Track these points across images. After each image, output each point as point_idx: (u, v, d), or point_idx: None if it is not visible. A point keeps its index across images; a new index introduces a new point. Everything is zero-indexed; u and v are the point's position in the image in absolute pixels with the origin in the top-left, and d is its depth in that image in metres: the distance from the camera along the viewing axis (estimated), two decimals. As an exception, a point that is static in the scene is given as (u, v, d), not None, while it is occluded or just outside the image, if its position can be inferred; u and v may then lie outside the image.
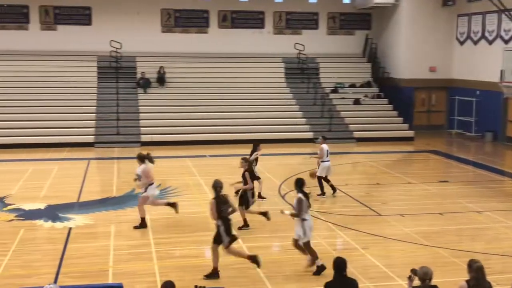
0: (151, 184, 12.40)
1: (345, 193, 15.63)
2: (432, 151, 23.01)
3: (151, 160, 12.53)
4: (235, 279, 9.59)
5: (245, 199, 12.52)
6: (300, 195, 10.11)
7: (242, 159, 13.03)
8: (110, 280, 9.44)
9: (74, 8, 27.73)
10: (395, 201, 15.10)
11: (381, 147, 23.66)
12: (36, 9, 27.40)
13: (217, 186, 9.98)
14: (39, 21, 27.48)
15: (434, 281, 6.82)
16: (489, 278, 6.91)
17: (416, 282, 6.76)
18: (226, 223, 9.72)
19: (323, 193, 15.14)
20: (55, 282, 9.18)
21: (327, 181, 15.29)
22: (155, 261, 10.37)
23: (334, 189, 15.33)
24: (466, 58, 27.15)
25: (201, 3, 28.63)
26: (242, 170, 12.72)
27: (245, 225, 12.42)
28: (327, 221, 12.90)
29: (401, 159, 22.56)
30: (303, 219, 9.97)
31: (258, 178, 14.70)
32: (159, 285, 8.73)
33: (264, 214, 12.51)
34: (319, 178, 15.12)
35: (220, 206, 9.72)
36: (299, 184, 10.28)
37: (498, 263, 10.45)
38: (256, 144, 15.45)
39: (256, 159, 15.15)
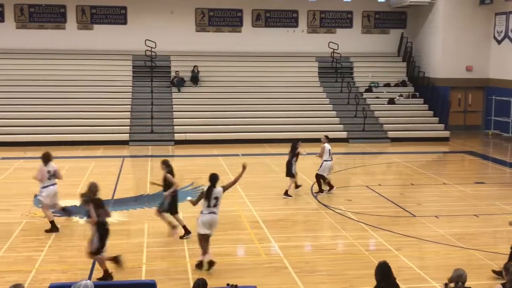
0: None
1: (378, 193, 15.49)
2: (468, 152, 22.63)
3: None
4: (267, 278, 9.59)
5: (172, 204, 11.73)
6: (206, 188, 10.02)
7: (162, 162, 12.04)
8: (143, 277, 9.55)
9: (110, 8, 28.13)
10: (429, 202, 14.90)
11: (415, 147, 23.37)
12: (73, 9, 27.89)
13: (92, 189, 9.78)
14: (76, 21, 27.96)
15: (468, 284, 6.71)
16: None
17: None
18: (101, 229, 9.51)
19: (321, 191, 15.23)
20: (90, 278, 9.32)
21: (324, 179, 15.38)
22: (188, 259, 10.44)
23: (331, 186, 15.35)
24: (504, 57, 26.60)
25: (235, 2, 28.72)
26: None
27: (186, 232, 11.52)
28: (360, 222, 12.81)
29: (436, 160, 22.24)
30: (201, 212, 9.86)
31: (293, 176, 14.76)
32: (191, 282, 8.80)
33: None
34: (319, 176, 15.24)
35: (97, 210, 9.48)
36: (213, 179, 10.14)
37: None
38: (295, 141, 15.57)
39: (297, 156, 15.20)
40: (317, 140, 23.14)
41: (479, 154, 22.24)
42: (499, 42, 27.03)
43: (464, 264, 10.05)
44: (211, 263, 9.80)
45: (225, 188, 10.15)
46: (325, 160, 15.23)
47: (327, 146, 15.29)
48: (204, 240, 9.80)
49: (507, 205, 14.33)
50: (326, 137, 15.66)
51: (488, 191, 15.99)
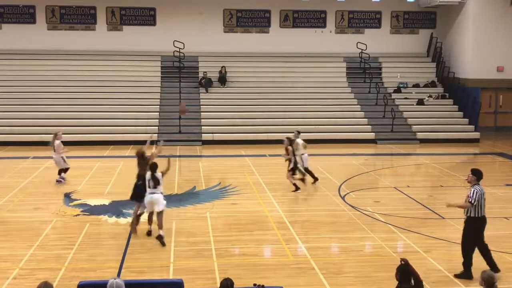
0: None
1: (407, 195, 15.34)
2: (499, 154, 22.26)
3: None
4: (294, 279, 9.57)
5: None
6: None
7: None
8: (171, 276, 9.61)
9: (139, 9, 28.41)
10: (459, 204, 14.66)
11: (445, 149, 23.08)
12: (103, 10, 28.24)
13: None
14: (106, 22, 28.31)
15: (499, 287, 6.62)
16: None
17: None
18: None
19: (316, 179, 16.33)
20: (118, 276, 9.42)
21: (309, 172, 16.28)
22: (215, 259, 10.48)
23: (303, 180, 16.07)
24: (537, 57, 26.11)
25: (263, 3, 28.75)
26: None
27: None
28: (388, 223, 12.70)
29: (466, 162, 21.91)
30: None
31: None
32: (218, 282, 8.83)
33: None
34: (307, 170, 16.19)
35: None
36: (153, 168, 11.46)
37: None
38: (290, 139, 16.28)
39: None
40: (346, 141, 23.04)
41: (509, 156, 21.85)
42: (531, 42, 26.54)
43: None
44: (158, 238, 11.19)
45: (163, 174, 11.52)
46: (302, 154, 16.17)
47: (299, 141, 16.34)
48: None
49: (539, 208, 14.04)
50: (298, 132, 17.00)
51: (520, 193, 15.70)
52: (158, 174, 11.42)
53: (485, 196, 9.96)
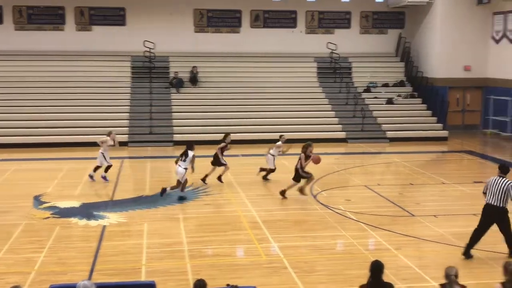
0: None
1: (377, 193, 15.52)
2: (467, 151, 22.66)
3: None
4: (267, 278, 9.60)
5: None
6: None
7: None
8: (143, 278, 9.56)
9: (109, 9, 28.14)
10: (428, 202, 14.92)
11: (414, 147, 23.40)
12: (72, 10, 27.89)
13: None
14: (75, 22, 27.96)
15: (468, 283, 6.73)
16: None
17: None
18: None
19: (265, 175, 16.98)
20: (89, 279, 9.33)
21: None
22: (188, 260, 10.46)
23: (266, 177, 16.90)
24: (502, 57, 26.63)
25: (234, 3, 28.75)
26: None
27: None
28: (360, 221, 12.83)
29: (435, 159, 22.27)
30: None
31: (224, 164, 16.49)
32: (191, 283, 8.80)
33: None
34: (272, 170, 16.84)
35: None
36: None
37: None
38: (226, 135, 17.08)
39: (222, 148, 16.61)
40: (317, 141, 23.19)
41: (477, 153, 22.27)
42: (497, 41, 27.07)
43: (463, 263, 10.11)
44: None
45: None
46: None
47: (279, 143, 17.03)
48: None
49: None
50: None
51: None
52: (190, 152, 14.58)
53: (489, 186, 10.55)
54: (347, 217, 13.24)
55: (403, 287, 9.18)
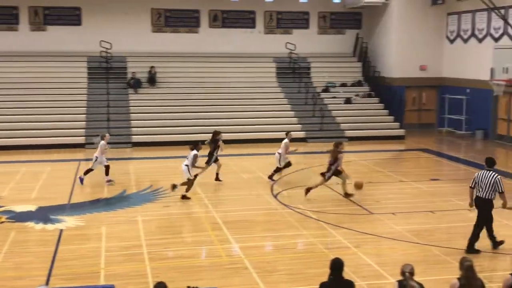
0: None
1: (337, 192, 15.66)
2: (423, 150, 23.08)
3: None
4: (228, 279, 9.58)
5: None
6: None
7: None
8: (102, 282, 9.40)
9: (64, 9, 27.60)
10: (387, 200, 15.14)
11: (372, 146, 23.71)
12: (26, 10, 27.26)
13: None
14: (29, 22, 27.34)
15: (425, 279, 6.84)
16: (481, 275, 6.95)
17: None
18: None
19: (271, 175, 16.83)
20: (47, 284, 9.13)
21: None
22: (147, 262, 10.34)
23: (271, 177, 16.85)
24: (456, 56, 27.27)
25: (192, 3, 28.60)
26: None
27: None
28: (320, 220, 12.92)
29: (393, 158, 22.62)
30: None
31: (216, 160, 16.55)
32: (151, 286, 8.71)
33: None
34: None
35: None
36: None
37: (490, 260, 10.50)
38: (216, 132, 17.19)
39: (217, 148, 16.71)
40: (276, 140, 23.18)
41: (433, 151, 22.72)
42: (451, 41, 27.70)
43: (421, 259, 10.28)
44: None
45: None
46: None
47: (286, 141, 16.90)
48: None
49: (462, 200, 14.65)
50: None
51: (443, 187, 16.35)
52: (192, 152, 14.66)
53: (477, 180, 10.84)
54: (307, 216, 13.31)
55: (363, 285, 9.28)
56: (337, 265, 6.76)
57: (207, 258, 10.83)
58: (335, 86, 28.44)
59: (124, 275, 9.71)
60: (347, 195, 14.90)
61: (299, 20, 29.91)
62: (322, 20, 30.15)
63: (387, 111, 27.15)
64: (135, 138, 23.42)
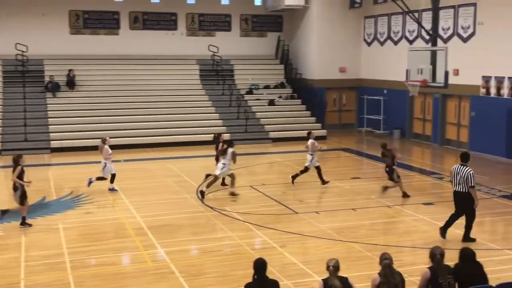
0: None
1: (262, 192, 15.80)
2: (344, 149, 23.68)
3: None
4: (154, 285, 9.45)
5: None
6: None
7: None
8: (22, 293, 9.05)
9: (-25, 10, 26.38)
10: (310, 199, 15.42)
11: (295, 147, 24.03)
12: None
13: None
14: None
15: (349, 275, 7.02)
16: (401, 269, 7.20)
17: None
18: None
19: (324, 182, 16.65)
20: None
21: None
22: (70, 271, 10.03)
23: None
24: (374, 58, 28.18)
25: (111, 4, 28.03)
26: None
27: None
28: (246, 222, 12.98)
29: (315, 158, 23.03)
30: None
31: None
32: (74, 295, 8.46)
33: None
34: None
35: None
36: None
37: (409, 255, 10.91)
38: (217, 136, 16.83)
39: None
40: (202, 143, 23.10)
41: (354, 151, 23.36)
42: (368, 44, 28.59)
43: (344, 256, 10.51)
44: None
45: None
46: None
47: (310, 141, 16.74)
48: None
49: (382, 198, 15.17)
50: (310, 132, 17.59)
51: (364, 185, 16.84)
52: (230, 149, 15.31)
53: (453, 174, 11.36)
54: (233, 218, 13.35)
55: (289, 284, 9.40)
56: (260, 265, 6.82)
57: (132, 264, 10.64)
58: (259, 88, 28.69)
59: (45, 285, 9.38)
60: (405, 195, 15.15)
61: (221, 23, 29.97)
62: (244, 23, 30.34)
63: (309, 112, 27.66)
64: (54, 144, 22.69)
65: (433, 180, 17.79)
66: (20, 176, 12.62)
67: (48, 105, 24.83)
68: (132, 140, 23.50)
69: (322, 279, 6.79)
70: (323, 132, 26.38)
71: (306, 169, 16.75)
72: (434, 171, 19.25)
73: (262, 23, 30.60)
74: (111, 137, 17.63)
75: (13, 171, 12.59)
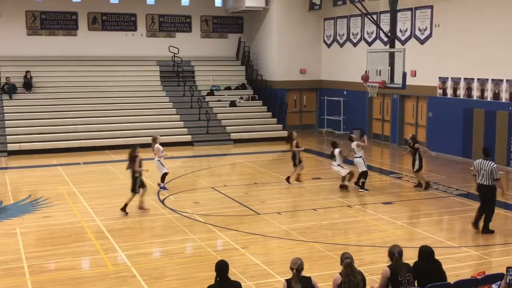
0: None
1: (224, 194, 15.78)
2: (305, 150, 23.79)
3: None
4: (115, 288, 9.35)
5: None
6: None
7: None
8: (-22, 301, 8.83)
9: None
10: (272, 200, 15.47)
11: (257, 148, 24.16)
12: None
13: None
14: None
15: (312, 274, 7.07)
16: (361, 268, 7.30)
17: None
18: None
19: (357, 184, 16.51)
20: None
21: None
22: (28, 276, 9.83)
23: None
24: (333, 59, 28.47)
25: (69, 5, 27.58)
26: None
27: None
28: (207, 223, 12.95)
29: (276, 159, 23.15)
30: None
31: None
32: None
33: None
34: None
35: None
36: None
37: (369, 254, 11.05)
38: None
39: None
40: (162, 145, 22.88)
41: (314, 151, 23.55)
42: (328, 45, 28.88)
43: (306, 256, 10.57)
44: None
45: None
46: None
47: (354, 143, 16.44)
48: None
49: (342, 197, 15.35)
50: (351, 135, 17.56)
51: (325, 185, 17.00)
52: (336, 150, 15.94)
53: (477, 168, 11.91)
54: (195, 219, 13.30)
55: (251, 284, 9.42)
56: (222, 267, 6.82)
57: (92, 268, 10.49)
58: (220, 90, 28.66)
59: (2, 292, 9.17)
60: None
61: (181, 24, 29.82)
62: (205, 24, 30.26)
63: (270, 113, 27.77)
64: (11, 146, 22.19)
65: (392, 180, 18.09)
66: None
67: (5, 107, 24.29)
68: (91, 142, 23.17)
69: (285, 280, 6.84)
70: (284, 133, 26.45)
71: (366, 173, 16.35)
72: (393, 171, 19.58)
73: (222, 24, 30.58)
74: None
75: None
